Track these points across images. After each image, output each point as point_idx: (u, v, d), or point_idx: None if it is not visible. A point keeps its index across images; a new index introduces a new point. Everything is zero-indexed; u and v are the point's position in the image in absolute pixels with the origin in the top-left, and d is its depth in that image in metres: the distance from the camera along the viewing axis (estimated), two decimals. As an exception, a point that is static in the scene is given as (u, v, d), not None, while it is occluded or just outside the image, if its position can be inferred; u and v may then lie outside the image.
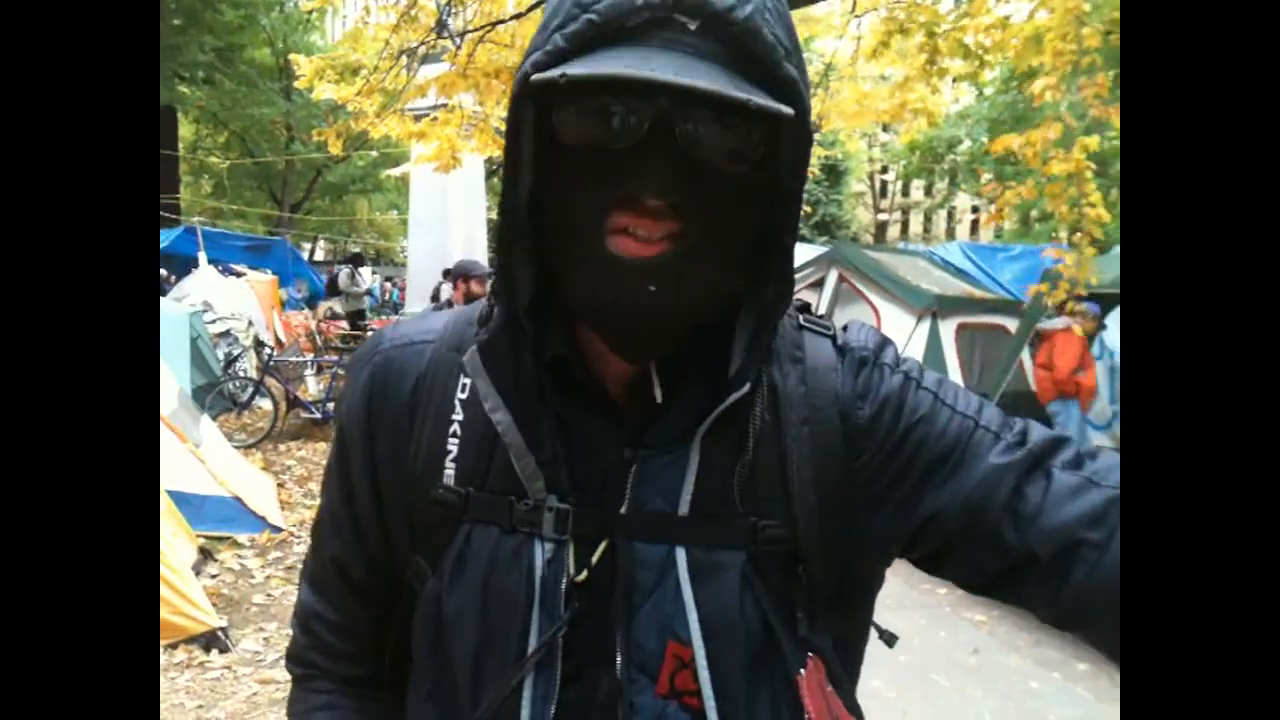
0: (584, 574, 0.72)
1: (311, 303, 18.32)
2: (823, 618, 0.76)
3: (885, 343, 0.82)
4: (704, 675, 0.71)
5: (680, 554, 0.72)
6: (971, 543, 0.73)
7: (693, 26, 0.62)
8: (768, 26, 0.63)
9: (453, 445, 0.78)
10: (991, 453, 0.73)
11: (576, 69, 0.61)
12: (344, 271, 13.00)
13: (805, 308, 0.84)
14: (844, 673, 0.77)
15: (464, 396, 0.78)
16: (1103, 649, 0.71)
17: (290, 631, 0.93)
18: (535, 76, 0.62)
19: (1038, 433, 0.75)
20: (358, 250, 13.13)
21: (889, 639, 0.84)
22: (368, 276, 12.90)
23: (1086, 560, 0.68)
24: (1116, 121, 4.60)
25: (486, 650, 0.74)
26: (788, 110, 0.62)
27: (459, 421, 0.78)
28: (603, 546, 0.73)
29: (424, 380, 0.80)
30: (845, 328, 0.84)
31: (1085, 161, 4.73)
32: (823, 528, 0.75)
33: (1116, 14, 4.43)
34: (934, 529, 0.74)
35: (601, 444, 0.75)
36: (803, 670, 0.73)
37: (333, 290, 13.37)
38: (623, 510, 0.73)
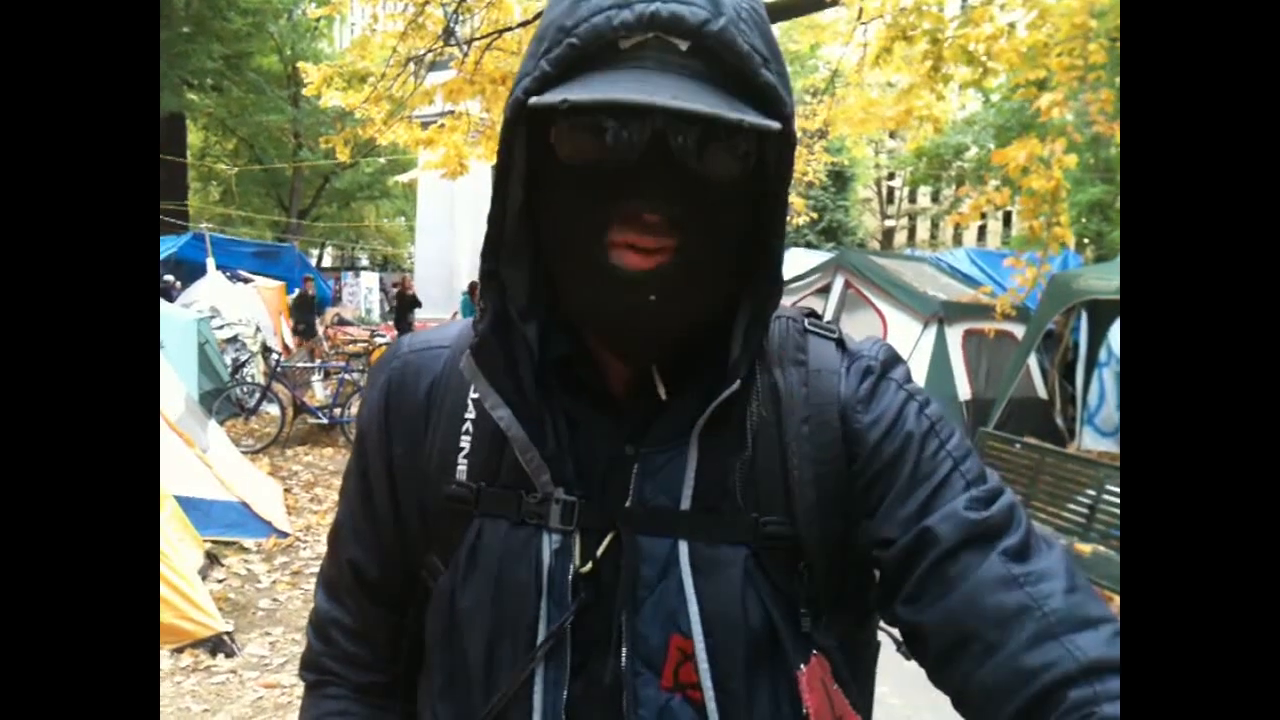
0: (589, 565, 0.74)
1: (319, 308, 18.39)
2: (828, 617, 0.76)
3: (897, 360, 0.82)
4: (703, 668, 0.72)
5: (683, 548, 0.74)
6: (898, 577, 0.73)
7: (683, 47, 0.64)
8: (742, 37, 0.65)
9: (465, 443, 0.80)
10: (957, 500, 0.72)
11: (578, 94, 0.63)
12: None
13: (812, 314, 0.85)
14: (850, 673, 0.77)
15: (476, 396, 0.80)
16: None
17: (296, 636, 0.94)
18: (534, 101, 0.64)
19: (1003, 502, 0.73)
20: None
21: (907, 653, 0.83)
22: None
23: (973, 658, 0.67)
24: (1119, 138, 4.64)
25: (499, 640, 0.75)
26: (776, 126, 0.64)
27: (471, 420, 0.80)
28: (608, 539, 0.74)
29: (439, 382, 0.83)
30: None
31: (1064, 181, 4.75)
32: (823, 526, 0.75)
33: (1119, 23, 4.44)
34: (882, 550, 0.74)
35: (604, 440, 0.77)
36: (803, 666, 0.74)
37: None
38: (627, 504, 0.75)
